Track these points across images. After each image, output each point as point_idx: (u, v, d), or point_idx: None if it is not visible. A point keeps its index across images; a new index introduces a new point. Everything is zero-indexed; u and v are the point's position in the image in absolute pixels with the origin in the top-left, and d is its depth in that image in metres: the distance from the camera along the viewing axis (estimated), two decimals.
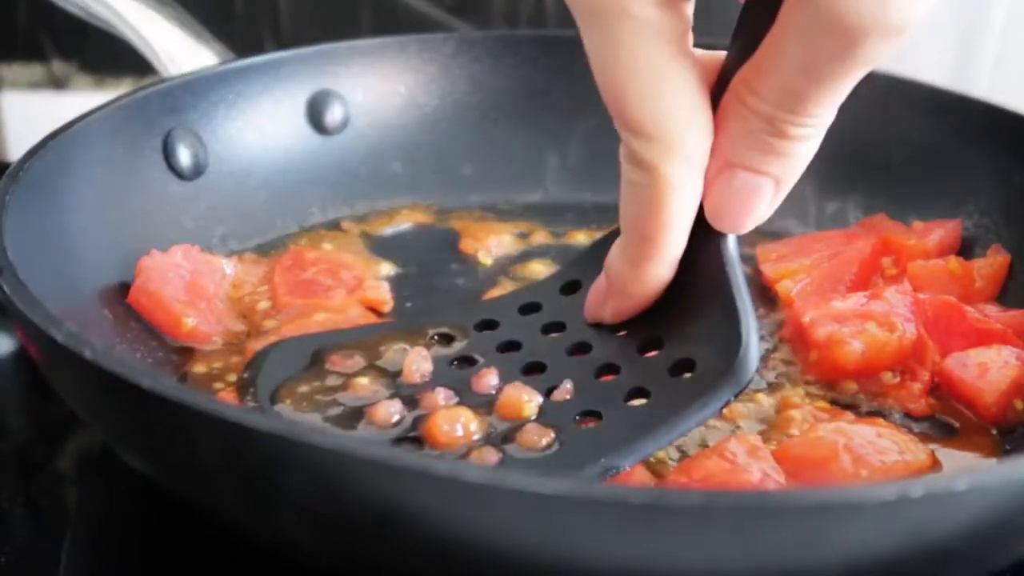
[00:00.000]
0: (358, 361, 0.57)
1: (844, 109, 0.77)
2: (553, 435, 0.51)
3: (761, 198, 0.49)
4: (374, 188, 0.78)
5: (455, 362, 0.57)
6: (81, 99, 0.87)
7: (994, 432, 0.58)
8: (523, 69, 0.81)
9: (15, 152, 0.91)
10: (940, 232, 0.71)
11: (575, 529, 0.38)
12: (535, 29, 0.96)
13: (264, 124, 0.75)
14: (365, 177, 0.78)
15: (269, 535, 0.47)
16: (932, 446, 0.56)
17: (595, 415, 0.52)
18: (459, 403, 0.53)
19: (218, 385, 0.59)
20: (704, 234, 0.51)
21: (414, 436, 0.52)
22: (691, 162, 0.48)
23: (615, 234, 0.55)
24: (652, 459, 0.54)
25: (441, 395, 0.54)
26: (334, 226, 0.75)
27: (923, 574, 0.43)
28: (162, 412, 0.42)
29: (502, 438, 0.51)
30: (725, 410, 0.58)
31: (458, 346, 0.58)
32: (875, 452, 0.53)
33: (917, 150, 0.75)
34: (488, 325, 0.59)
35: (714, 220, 0.50)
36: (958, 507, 0.39)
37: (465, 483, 0.38)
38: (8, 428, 0.66)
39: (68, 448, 0.62)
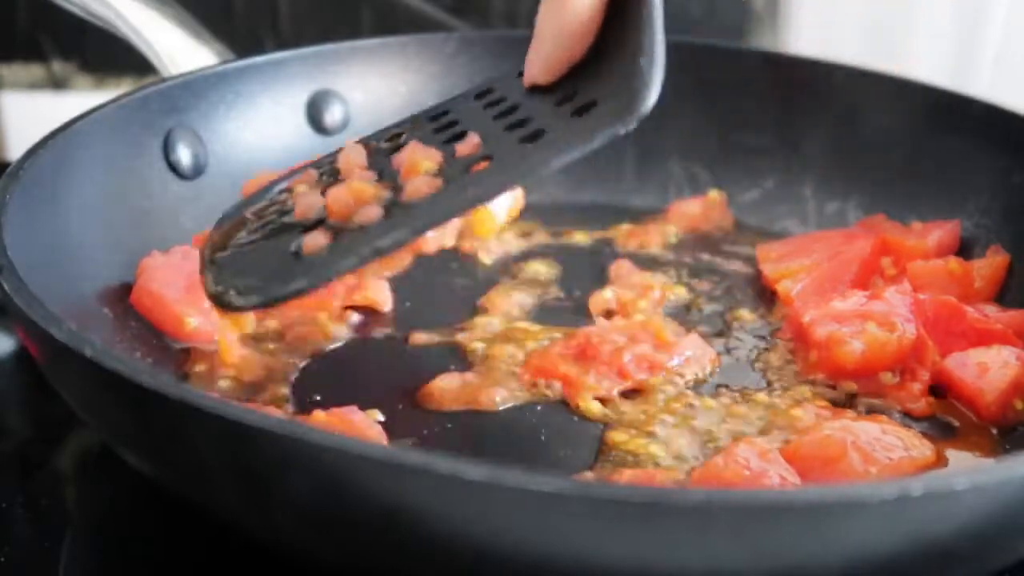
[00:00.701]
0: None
1: (844, 110, 0.77)
2: (440, 183, 0.51)
3: None
4: None
5: (389, 149, 0.57)
6: (81, 99, 0.87)
7: (994, 432, 0.58)
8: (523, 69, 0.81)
9: (15, 152, 0.91)
10: (939, 232, 0.71)
11: (575, 528, 0.38)
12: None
13: (264, 124, 0.75)
14: None
15: (269, 534, 0.47)
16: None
17: (489, 159, 0.52)
18: (377, 181, 0.54)
19: (222, 384, 0.59)
20: None
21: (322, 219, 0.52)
22: None
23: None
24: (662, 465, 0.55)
25: (356, 175, 0.54)
26: None
27: (923, 574, 0.43)
28: (162, 410, 0.42)
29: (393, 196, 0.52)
30: (726, 411, 0.59)
31: (405, 134, 0.58)
32: (882, 449, 0.53)
33: (917, 150, 0.75)
34: (440, 114, 0.59)
35: None
36: (958, 507, 0.39)
37: (465, 481, 0.38)
38: (8, 428, 0.66)
39: (68, 448, 0.62)
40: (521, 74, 0.57)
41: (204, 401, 0.41)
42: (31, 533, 0.56)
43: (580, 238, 0.76)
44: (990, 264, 0.68)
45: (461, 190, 0.51)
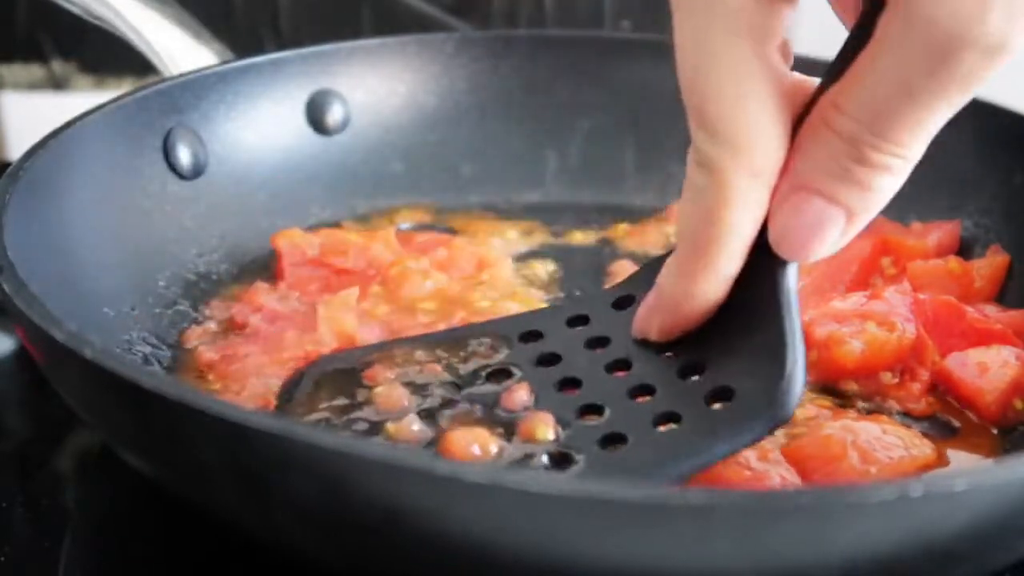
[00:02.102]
0: (389, 375, 0.56)
1: None
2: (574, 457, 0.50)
3: (830, 229, 0.46)
4: (374, 188, 0.78)
5: (487, 375, 0.55)
6: (81, 99, 0.86)
7: (994, 432, 0.58)
8: (523, 69, 0.81)
9: (15, 152, 0.91)
10: (939, 233, 0.71)
11: (575, 529, 0.38)
12: (535, 29, 0.96)
13: (264, 124, 0.75)
14: (365, 177, 0.78)
15: (269, 535, 0.47)
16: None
17: (621, 439, 0.50)
18: (482, 419, 0.52)
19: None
20: (764, 259, 0.48)
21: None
22: (758, 172, 0.45)
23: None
24: None
25: (464, 411, 0.53)
26: (334, 226, 0.75)
27: (923, 574, 0.43)
28: (162, 411, 0.42)
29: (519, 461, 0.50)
30: None
31: (499, 357, 0.56)
32: (882, 448, 0.53)
33: None
34: (533, 336, 0.57)
35: (777, 245, 0.47)
36: (958, 507, 0.39)
37: (466, 483, 0.38)
38: (8, 428, 0.66)
39: (68, 448, 0.62)
40: (615, 304, 0.55)
41: (204, 401, 0.41)
42: (31, 533, 0.56)
43: (580, 238, 0.76)
44: (990, 264, 0.68)
45: None
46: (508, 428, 0.52)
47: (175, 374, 0.61)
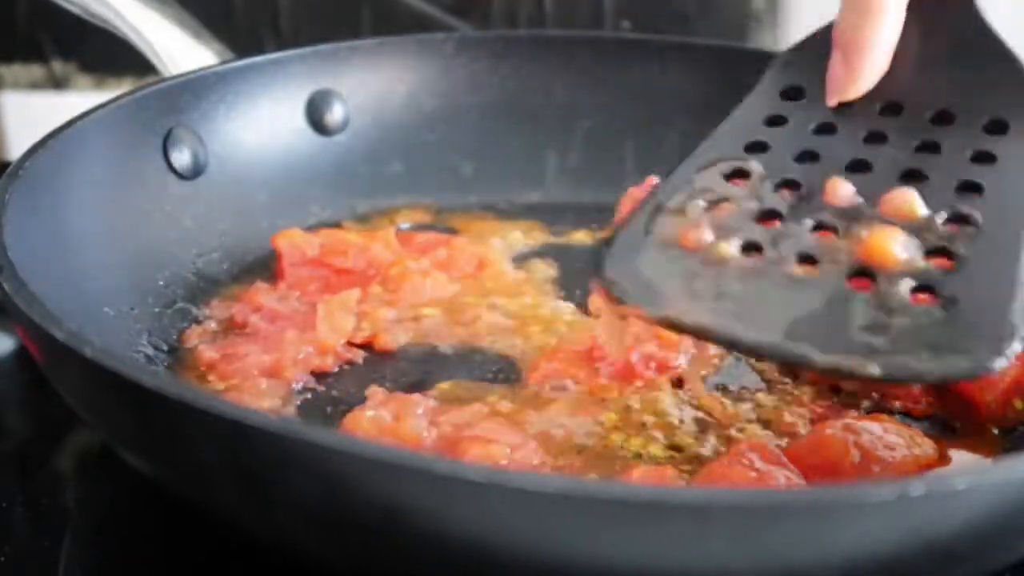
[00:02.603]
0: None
1: None
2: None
3: None
4: (374, 188, 0.78)
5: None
6: (81, 99, 0.87)
7: (994, 432, 0.58)
8: (523, 69, 0.81)
9: (15, 152, 0.91)
10: None
11: (575, 528, 0.38)
12: (535, 29, 0.96)
13: (264, 124, 0.75)
14: (365, 177, 0.78)
15: (269, 534, 0.47)
16: None
17: (976, 188, 0.50)
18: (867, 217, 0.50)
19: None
20: (957, 8, 0.53)
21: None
22: None
23: (816, 37, 0.57)
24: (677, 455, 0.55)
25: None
26: (334, 226, 0.75)
27: (923, 574, 0.43)
28: (162, 410, 0.42)
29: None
30: (721, 413, 0.59)
31: (755, 175, 0.53)
32: (884, 448, 0.53)
33: None
34: (758, 146, 0.55)
35: None
36: (958, 507, 0.39)
37: (465, 482, 0.38)
38: (8, 427, 0.66)
39: (68, 447, 0.62)
40: (783, 95, 0.56)
41: (204, 401, 0.41)
42: (31, 533, 0.56)
43: (580, 238, 0.76)
44: None
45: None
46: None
47: (175, 373, 0.61)
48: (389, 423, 0.54)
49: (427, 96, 0.80)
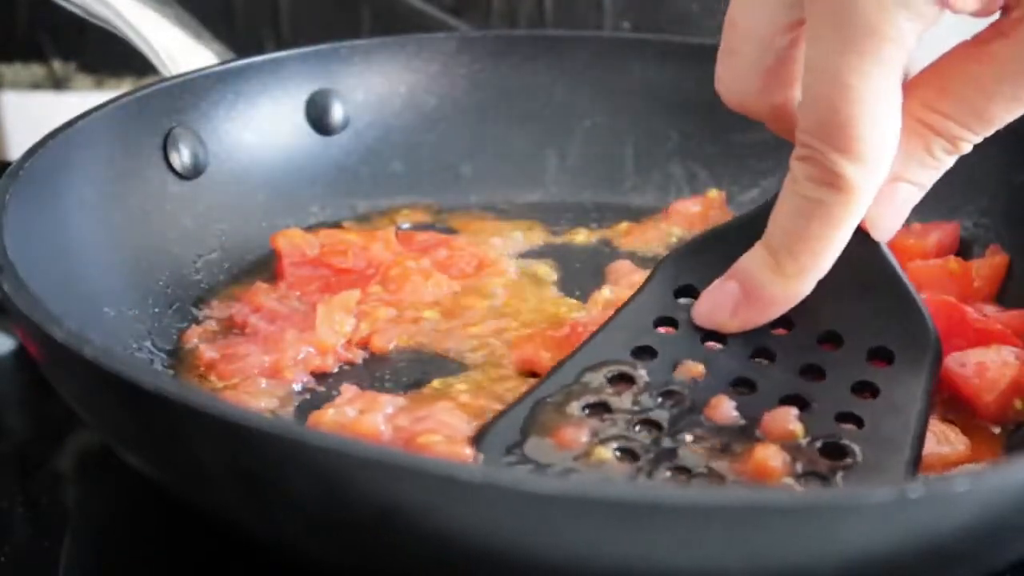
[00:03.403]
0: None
1: None
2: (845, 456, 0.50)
3: (910, 207, 0.53)
4: (374, 188, 0.78)
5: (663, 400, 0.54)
6: (81, 99, 0.87)
7: (995, 431, 0.58)
8: (523, 69, 0.81)
9: (15, 152, 0.91)
10: (938, 233, 0.71)
11: (573, 529, 0.38)
12: (535, 29, 0.96)
13: (264, 124, 0.75)
14: (365, 177, 0.78)
15: (269, 534, 0.47)
16: None
17: (856, 420, 0.52)
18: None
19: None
20: (859, 241, 0.53)
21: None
22: (881, 182, 0.50)
23: (714, 235, 0.57)
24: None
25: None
26: (334, 226, 0.75)
27: (923, 575, 0.43)
28: (162, 411, 0.42)
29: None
30: None
31: (639, 382, 0.54)
32: None
33: None
34: (645, 351, 0.56)
35: (874, 230, 0.53)
36: (958, 508, 0.39)
37: (463, 482, 0.38)
38: (8, 427, 0.66)
39: (68, 447, 0.62)
40: (676, 294, 0.57)
41: (204, 401, 0.41)
42: (31, 533, 0.56)
43: (580, 238, 0.76)
44: (989, 264, 0.68)
45: None
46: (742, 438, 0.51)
47: (175, 374, 0.61)
48: (350, 419, 0.54)
49: (427, 96, 0.80)
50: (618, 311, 0.58)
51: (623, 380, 0.55)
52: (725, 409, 0.53)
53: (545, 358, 0.60)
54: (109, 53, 0.93)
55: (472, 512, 0.39)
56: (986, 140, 0.72)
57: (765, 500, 0.38)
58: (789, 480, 0.49)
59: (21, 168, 0.58)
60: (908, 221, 0.72)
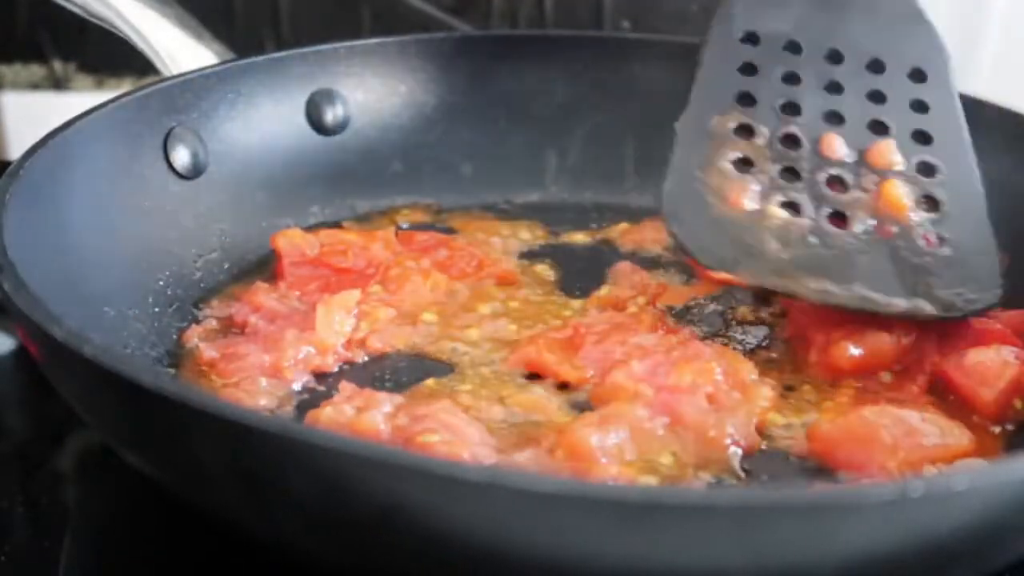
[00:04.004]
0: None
1: None
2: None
3: None
4: (374, 188, 0.78)
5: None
6: (81, 99, 0.86)
7: (994, 431, 0.58)
8: (523, 69, 0.81)
9: (15, 152, 0.91)
10: None
11: (575, 528, 0.38)
12: (535, 29, 0.96)
13: (264, 124, 0.75)
14: (365, 177, 0.78)
15: (269, 534, 0.47)
16: None
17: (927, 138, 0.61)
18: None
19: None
20: None
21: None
22: None
23: None
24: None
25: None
26: (334, 226, 0.75)
27: (923, 574, 0.43)
28: (162, 410, 0.42)
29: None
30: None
31: (758, 132, 0.63)
32: (916, 435, 0.53)
33: None
34: (746, 98, 0.63)
35: None
36: (958, 507, 0.39)
37: (464, 482, 0.38)
38: (8, 427, 0.66)
39: (68, 447, 0.62)
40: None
41: (204, 401, 0.41)
42: (31, 533, 0.56)
43: (580, 238, 0.76)
44: None
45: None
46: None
47: (175, 373, 0.61)
48: (349, 417, 0.54)
49: (427, 96, 0.80)
50: (703, 64, 0.65)
51: (745, 130, 0.63)
52: (837, 146, 0.60)
53: (548, 359, 0.60)
54: (109, 53, 0.93)
55: (474, 512, 0.39)
56: (986, 139, 0.72)
57: (765, 500, 0.38)
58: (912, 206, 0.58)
59: (21, 168, 0.58)
60: None
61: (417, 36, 0.81)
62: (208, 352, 0.61)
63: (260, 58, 0.75)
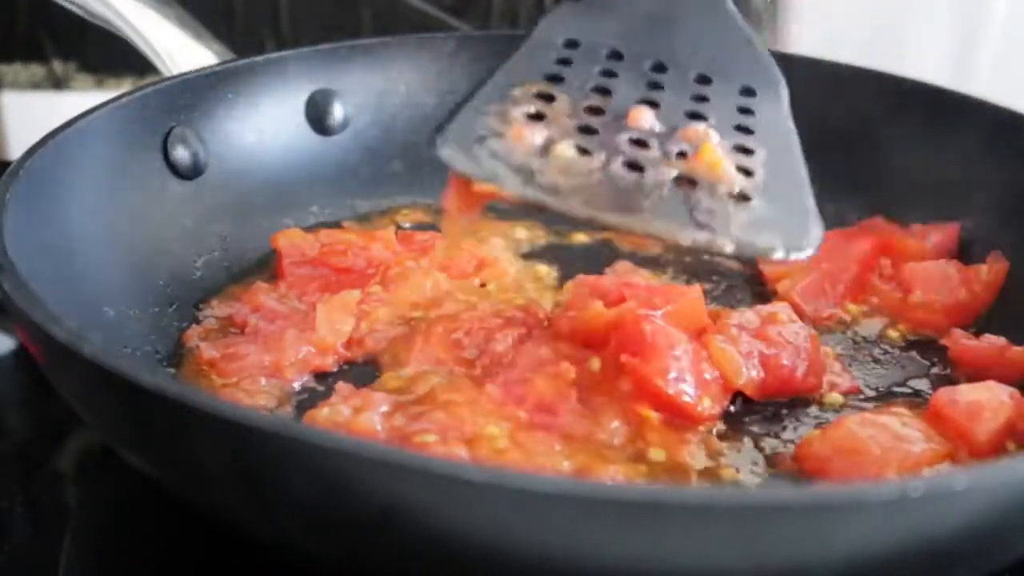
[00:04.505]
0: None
1: (845, 109, 0.77)
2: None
3: None
4: (374, 188, 0.78)
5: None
6: (81, 99, 0.86)
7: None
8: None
9: (15, 152, 0.91)
10: (938, 235, 0.71)
11: (575, 528, 0.38)
12: None
13: (264, 124, 0.75)
14: (365, 177, 0.78)
15: (269, 534, 0.47)
16: None
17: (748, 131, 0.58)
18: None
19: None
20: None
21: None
22: None
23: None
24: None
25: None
26: (334, 226, 0.75)
27: (923, 574, 0.43)
28: (162, 410, 0.42)
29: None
30: None
31: (560, 98, 0.58)
32: (902, 442, 0.53)
33: (917, 150, 0.75)
34: (556, 78, 0.60)
35: None
36: (958, 507, 0.39)
37: (465, 482, 0.38)
38: (8, 427, 0.66)
39: (68, 447, 0.62)
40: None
41: (204, 401, 0.41)
42: (31, 533, 0.56)
43: (580, 238, 0.76)
44: (990, 270, 0.68)
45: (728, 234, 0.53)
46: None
47: (175, 373, 0.61)
48: (345, 417, 0.54)
49: (427, 96, 0.80)
50: (515, 52, 0.62)
51: (546, 98, 0.58)
52: (646, 118, 0.57)
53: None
54: (109, 53, 0.93)
55: (474, 512, 0.39)
56: (986, 139, 0.72)
57: (765, 500, 0.38)
58: (733, 173, 0.55)
59: (21, 168, 0.58)
60: (908, 221, 0.73)
61: (417, 36, 0.81)
62: (208, 352, 0.61)
63: (260, 58, 0.75)
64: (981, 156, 0.73)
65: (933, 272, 0.68)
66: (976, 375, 0.62)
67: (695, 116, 0.58)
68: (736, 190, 0.54)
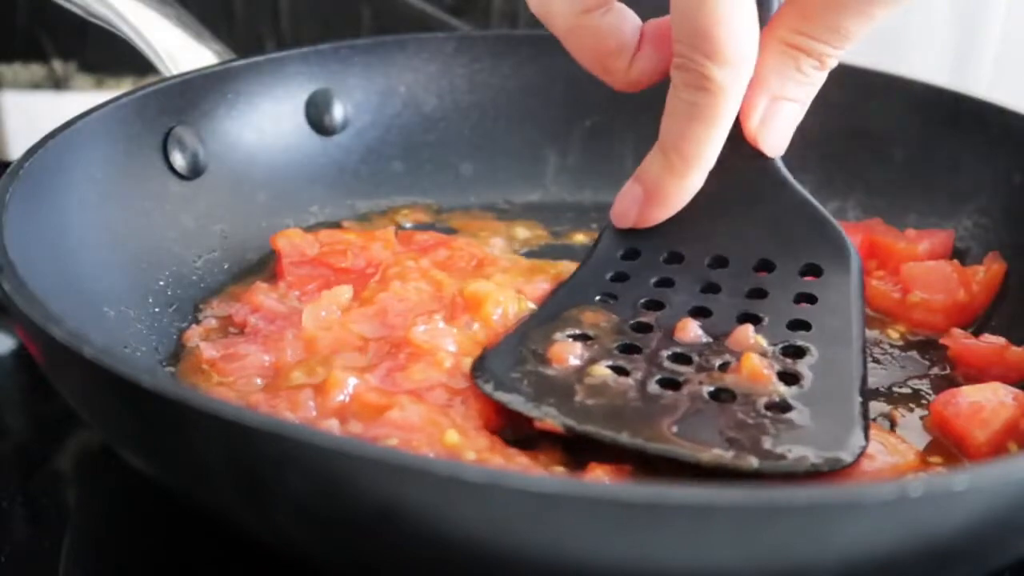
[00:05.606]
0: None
1: (844, 109, 0.77)
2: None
3: (796, 122, 0.59)
4: (374, 188, 0.78)
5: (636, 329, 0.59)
6: (81, 99, 0.87)
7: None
8: (523, 69, 0.81)
9: (15, 152, 0.91)
10: (931, 241, 0.71)
11: (575, 528, 0.38)
12: (535, 29, 0.96)
13: (264, 124, 0.75)
14: (365, 177, 0.78)
15: (269, 534, 0.47)
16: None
17: (805, 325, 0.57)
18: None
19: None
20: (752, 157, 0.59)
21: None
22: (746, 82, 0.56)
23: None
24: None
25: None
26: (334, 226, 0.75)
27: (923, 574, 0.43)
28: (162, 410, 0.42)
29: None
30: None
31: (610, 318, 0.59)
32: (864, 457, 0.52)
33: (916, 149, 0.75)
34: (609, 296, 0.61)
35: (766, 147, 0.59)
36: (957, 507, 0.39)
37: (465, 482, 0.38)
38: (8, 427, 0.66)
39: (68, 447, 0.62)
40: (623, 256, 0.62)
41: (204, 401, 0.41)
42: (31, 533, 0.56)
43: (580, 238, 0.76)
44: (987, 271, 0.68)
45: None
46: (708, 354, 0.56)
47: (175, 373, 0.61)
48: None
49: (427, 96, 0.80)
50: (575, 272, 0.64)
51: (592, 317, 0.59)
52: (692, 329, 0.57)
53: None
54: (109, 53, 0.93)
55: (474, 512, 0.39)
56: (986, 139, 0.72)
57: (765, 500, 0.38)
58: (775, 383, 0.54)
59: (21, 168, 0.58)
60: (903, 225, 0.73)
61: (417, 36, 0.81)
62: (208, 352, 0.61)
63: (260, 58, 0.75)
64: (981, 155, 0.73)
65: (932, 272, 0.68)
66: (976, 375, 0.62)
67: (748, 317, 0.58)
68: (776, 399, 0.53)
